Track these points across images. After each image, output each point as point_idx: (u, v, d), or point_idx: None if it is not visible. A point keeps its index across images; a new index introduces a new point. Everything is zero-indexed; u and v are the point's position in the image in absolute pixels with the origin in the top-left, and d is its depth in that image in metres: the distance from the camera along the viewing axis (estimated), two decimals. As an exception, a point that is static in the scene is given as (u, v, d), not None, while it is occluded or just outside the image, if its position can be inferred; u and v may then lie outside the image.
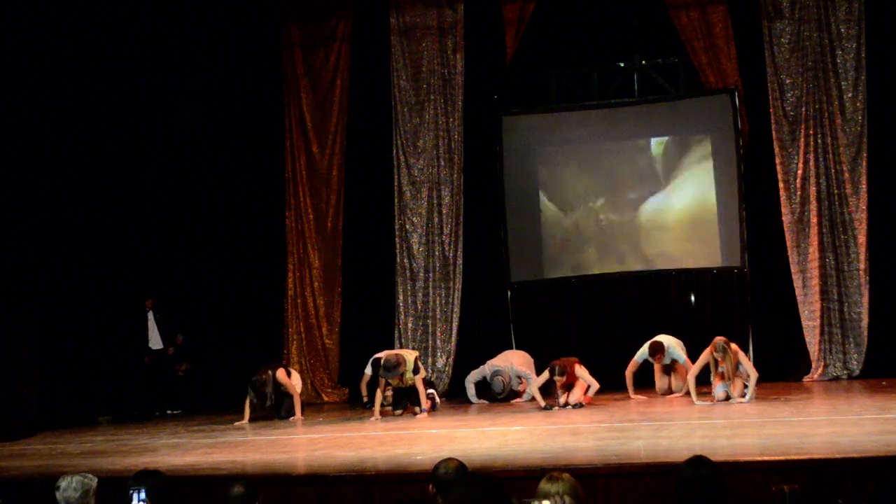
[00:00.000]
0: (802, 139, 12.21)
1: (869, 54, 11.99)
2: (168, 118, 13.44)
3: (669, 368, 11.26)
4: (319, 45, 13.65)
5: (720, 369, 10.17)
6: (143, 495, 4.79)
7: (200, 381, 13.64)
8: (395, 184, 13.39)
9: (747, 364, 10.24)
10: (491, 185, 13.43)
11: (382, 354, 11.06)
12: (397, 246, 13.33)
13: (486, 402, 11.75)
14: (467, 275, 13.18)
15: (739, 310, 12.52)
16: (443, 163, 13.26)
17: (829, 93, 12.14)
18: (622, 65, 13.56)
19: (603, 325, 13.01)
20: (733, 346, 10.20)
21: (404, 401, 11.17)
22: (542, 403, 10.67)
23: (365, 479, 6.70)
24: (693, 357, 10.76)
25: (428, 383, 11.80)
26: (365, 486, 6.59)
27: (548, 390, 10.91)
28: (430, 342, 13.12)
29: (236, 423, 11.05)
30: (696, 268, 12.90)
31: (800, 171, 12.22)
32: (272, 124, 13.74)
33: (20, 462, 8.73)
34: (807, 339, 12.06)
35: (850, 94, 12.07)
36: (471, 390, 11.93)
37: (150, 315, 13.18)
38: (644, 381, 11.38)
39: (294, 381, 11.59)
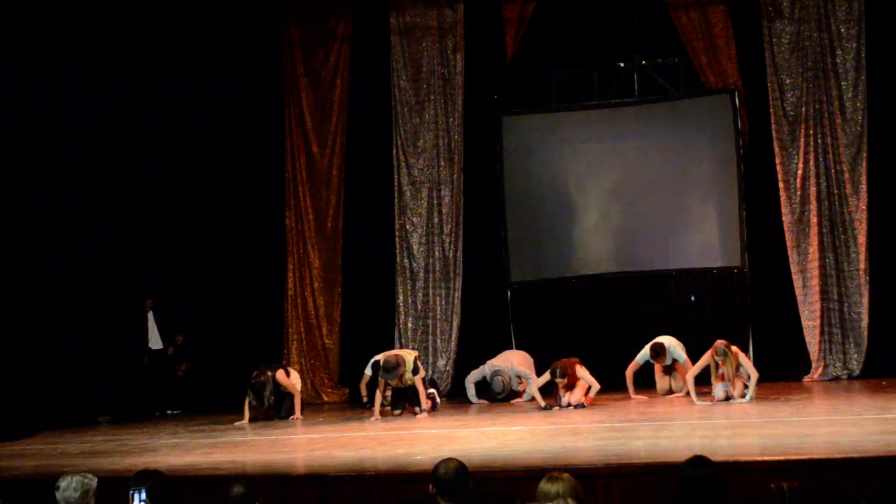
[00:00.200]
0: (802, 139, 12.21)
1: (869, 54, 11.99)
2: (168, 118, 13.44)
3: (670, 368, 11.27)
4: (319, 45, 13.65)
5: (720, 371, 10.17)
6: (143, 495, 4.79)
7: (200, 381, 13.64)
8: (395, 184, 13.39)
9: (748, 365, 10.24)
10: (491, 185, 13.43)
11: (382, 356, 11.04)
12: (397, 246, 13.33)
13: (486, 402, 11.75)
14: (467, 275, 13.18)
15: (739, 310, 12.52)
16: (443, 163, 13.27)
17: (829, 93, 12.14)
18: (622, 65, 13.56)
19: (603, 325, 13.01)
20: (734, 348, 10.20)
21: (403, 401, 11.17)
22: (542, 403, 10.67)
23: (365, 479, 6.70)
24: (693, 359, 10.77)
25: (430, 382, 11.81)
26: (365, 486, 6.58)
27: (548, 391, 10.91)
28: (430, 342, 13.12)
29: (236, 423, 11.05)
30: (696, 268, 12.90)
31: (800, 171, 12.22)
32: (272, 124, 13.74)
33: (20, 462, 8.73)
34: (807, 339, 12.06)
35: (850, 94, 12.07)
36: (471, 390, 11.93)
37: (150, 315, 13.18)
38: (644, 380, 11.39)
39: (294, 381, 11.60)
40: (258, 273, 13.73)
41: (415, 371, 10.82)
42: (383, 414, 10.93)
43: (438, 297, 13.17)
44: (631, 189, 13.13)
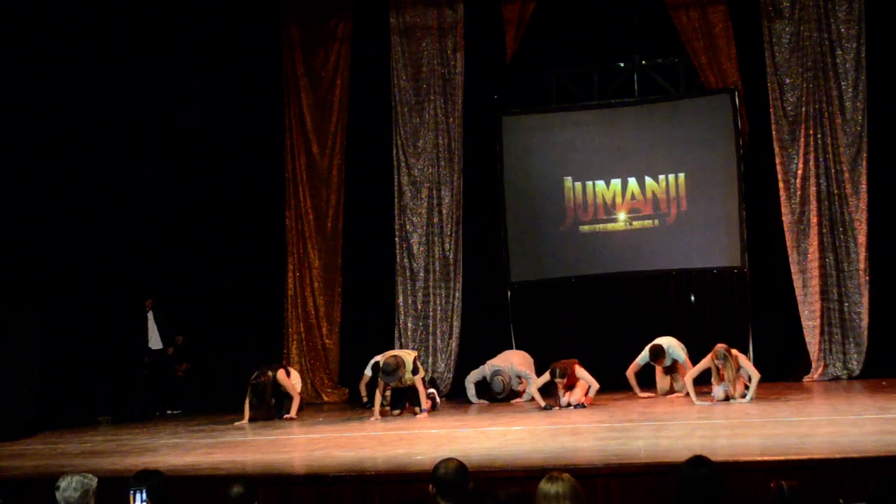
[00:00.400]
0: (802, 139, 12.21)
1: (869, 54, 11.99)
2: (168, 118, 13.44)
3: (671, 369, 11.27)
4: (319, 45, 13.65)
5: (721, 374, 10.17)
6: (144, 496, 4.79)
7: (200, 381, 13.64)
8: (395, 184, 13.39)
9: (748, 366, 10.25)
10: (491, 185, 13.43)
11: (381, 357, 11.03)
12: (397, 246, 13.33)
13: (486, 402, 11.75)
14: (467, 275, 13.18)
15: (739, 310, 12.53)
16: (443, 163, 13.27)
17: (829, 93, 12.14)
18: (622, 65, 13.56)
19: (603, 325, 13.01)
20: (734, 351, 10.20)
21: (403, 401, 11.17)
22: (542, 403, 10.67)
23: (365, 479, 6.70)
24: (694, 360, 10.78)
25: (430, 382, 11.81)
26: (365, 486, 6.59)
27: (548, 391, 10.91)
28: (430, 342, 13.12)
29: (236, 423, 11.05)
30: (696, 268, 12.90)
31: (800, 171, 12.22)
32: (272, 124, 13.74)
33: (20, 462, 8.73)
34: (807, 339, 12.06)
35: (850, 94, 12.07)
36: (471, 390, 11.93)
37: (150, 315, 13.18)
38: (645, 380, 11.40)
39: (294, 381, 11.61)
40: (258, 273, 13.73)
41: (414, 371, 10.82)
42: (383, 414, 10.93)
43: (438, 297, 13.17)
44: (631, 188, 13.12)
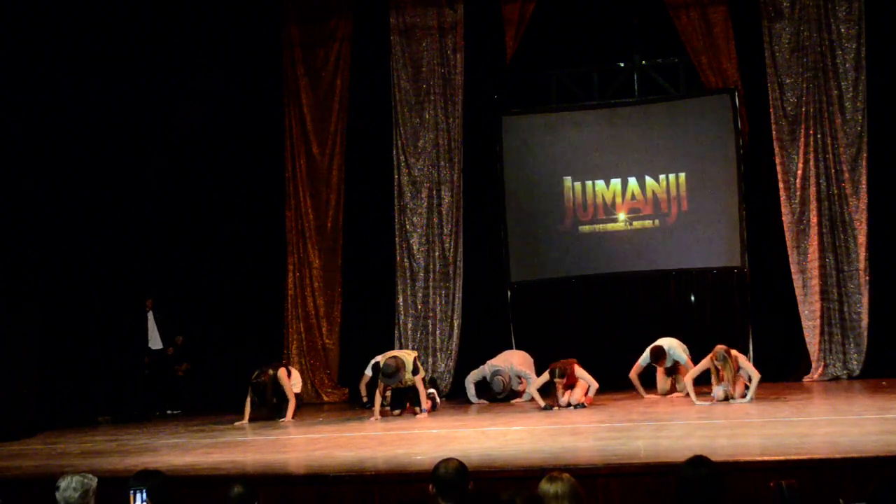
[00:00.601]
0: (802, 139, 12.22)
1: (869, 54, 12.00)
2: (168, 118, 13.44)
3: (672, 370, 11.26)
4: (319, 45, 13.65)
5: (721, 375, 10.17)
6: (144, 496, 4.79)
7: (200, 381, 13.64)
8: (395, 184, 13.39)
9: (748, 366, 10.25)
10: (491, 185, 13.43)
11: (381, 357, 11.03)
12: (397, 246, 13.33)
13: (486, 402, 11.75)
14: (467, 275, 13.18)
15: (739, 310, 12.53)
16: (443, 163, 13.27)
17: (829, 93, 12.15)
18: (622, 65, 13.56)
19: (603, 325, 13.01)
20: (733, 352, 10.21)
21: (404, 401, 11.18)
22: (542, 404, 10.67)
23: (365, 479, 6.70)
24: (694, 360, 10.78)
25: (430, 382, 11.80)
26: (365, 486, 6.59)
27: (548, 391, 10.91)
28: (431, 342, 13.12)
29: (236, 423, 11.05)
30: (696, 268, 12.91)
31: (800, 171, 12.22)
32: (272, 124, 13.74)
33: (20, 462, 8.73)
34: (807, 339, 12.06)
35: (850, 94, 12.07)
36: (471, 390, 11.93)
37: (150, 315, 13.18)
38: (646, 381, 11.38)
39: (294, 381, 11.60)
40: (258, 273, 13.73)
41: (414, 371, 10.82)
42: (383, 414, 10.94)
43: (438, 297, 13.17)
44: (630, 188, 13.12)
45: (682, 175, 12.97)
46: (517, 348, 12.53)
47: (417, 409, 10.92)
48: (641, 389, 11.19)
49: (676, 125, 13.08)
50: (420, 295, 13.23)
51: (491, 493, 4.32)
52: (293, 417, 11.28)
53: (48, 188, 12.26)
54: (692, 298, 12.91)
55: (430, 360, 13.00)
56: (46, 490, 5.15)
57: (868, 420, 8.32)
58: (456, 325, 13.08)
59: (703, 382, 10.50)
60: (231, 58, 13.52)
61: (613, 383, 11.42)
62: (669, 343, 11.15)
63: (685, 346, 11.23)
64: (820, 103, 12.18)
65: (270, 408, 11.36)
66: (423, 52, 13.31)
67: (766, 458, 6.29)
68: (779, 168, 12.29)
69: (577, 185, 13.31)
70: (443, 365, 13.01)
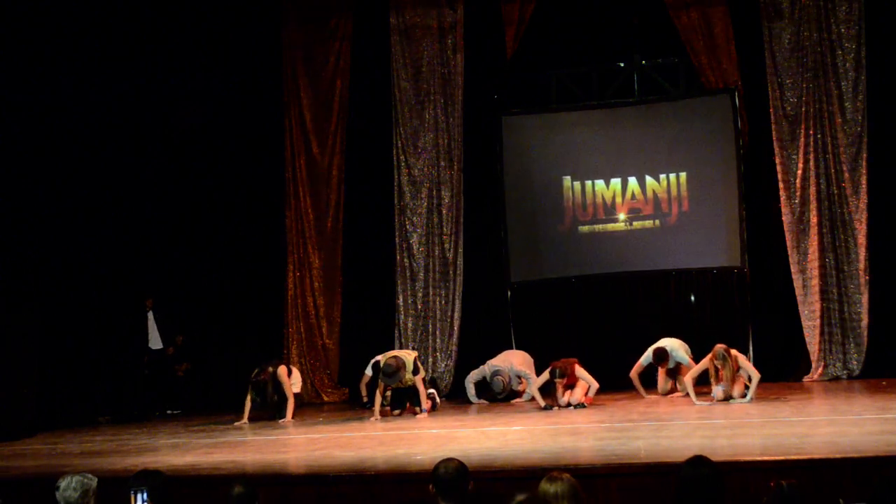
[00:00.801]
0: (802, 139, 12.21)
1: (869, 54, 12.00)
2: (168, 118, 13.44)
3: (674, 371, 11.25)
4: (319, 45, 13.65)
5: (721, 375, 10.17)
6: (145, 496, 4.80)
7: (200, 381, 13.64)
8: (395, 184, 13.39)
9: (748, 366, 10.25)
10: (491, 185, 13.43)
11: (382, 357, 11.03)
12: (397, 246, 13.33)
13: (486, 402, 11.76)
14: (467, 275, 13.18)
15: (739, 310, 12.53)
16: (443, 163, 13.27)
17: (829, 93, 12.15)
18: (622, 65, 13.54)
19: (603, 325, 13.01)
20: (733, 352, 10.20)
21: (404, 401, 11.18)
22: (542, 403, 10.67)
23: (365, 479, 6.70)
24: (695, 360, 10.78)
25: (430, 382, 11.80)
26: (365, 486, 6.59)
27: (548, 391, 10.91)
28: (430, 342, 13.12)
29: (236, 423, 11.05)
30: (696, 268, 12.91)
31: (800, 171, 12.22)
32: (272, 124, 13.74)
33: (20, 462, 8.74)
34: (807, 339, 12.06)
35: (850, 94, 12.07)
36: (471, 390, 11.93)
37: (150, 315, 13.18)
38: (646, 381, 11.39)
39: (294, 380, 11.59)
40: (258, 273, 13.73)
41: (415, 371, 10.82)
42: (383, 414, 10.94)
43: (438, 297, 13.18)
44: (630, 188, 13.12)
45: (683, 175, 12.97)
46: (517, 348, 12.53)
47: (417, 409, 10.93)
48: (642, 389, 11.20)
49: (676, 125, 13.08)
50: (420, 295, 13.23)
51: (491, 493, 4.32)
52: (293, 417, 11.28)
53: (48, 188, 12.27)
54: (692, 298, 12.91)
55: (430, 360, 13.00)
56: (46, 490, 5.15)
57: (868, 420, 8.32)
58: (456, 325, 13.08)
59: (703, 382, 10.50)
60: (231, 58, 13.52)
61: (613, 383, 11.42)
62: (672, 344, 11.14)
63: (687, 347, 11.22)
64: (820, 103, 12.18)
65: (272, 406, 11.35)
66: (423, 52, 13.31)
67: (766, 458, 6.29)
68: (779, 168, 12.29)
69: (577, 185, 13.31)
70: (443, 365, 13.01)
